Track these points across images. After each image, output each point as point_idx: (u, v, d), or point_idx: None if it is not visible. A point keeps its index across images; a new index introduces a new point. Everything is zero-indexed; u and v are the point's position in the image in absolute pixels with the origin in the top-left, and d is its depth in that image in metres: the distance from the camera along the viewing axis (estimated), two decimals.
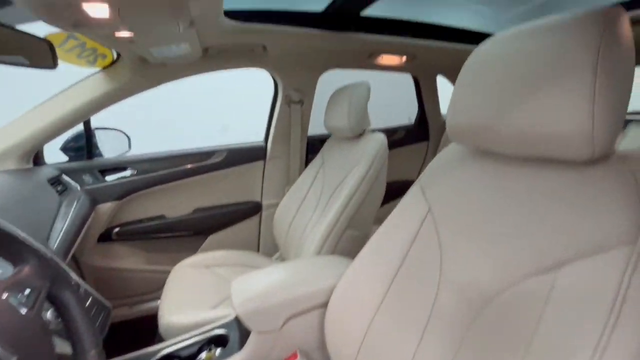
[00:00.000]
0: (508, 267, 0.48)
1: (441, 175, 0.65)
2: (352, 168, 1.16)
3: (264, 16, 1.10)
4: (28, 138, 1.15)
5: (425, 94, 1.84)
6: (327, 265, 0.93)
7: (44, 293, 0.47)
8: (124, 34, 0.74)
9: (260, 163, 1.59)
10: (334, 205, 1.12)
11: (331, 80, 1.59)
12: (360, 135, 1.24)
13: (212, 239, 1.59)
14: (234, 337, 0.75)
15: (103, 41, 0.93)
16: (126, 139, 1.50)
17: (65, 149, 1.43)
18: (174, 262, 1.35)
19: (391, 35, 1.31)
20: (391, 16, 1.29)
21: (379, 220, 1.31)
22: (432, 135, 1.94)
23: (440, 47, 1.44)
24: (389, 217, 0.70)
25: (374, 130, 1.28)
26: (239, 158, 1.56)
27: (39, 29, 0.67)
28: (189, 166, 1.48)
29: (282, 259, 1.59)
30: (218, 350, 0.73)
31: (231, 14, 1.01)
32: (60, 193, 1.18)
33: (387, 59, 1.47)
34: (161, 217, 1.49)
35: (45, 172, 1.20)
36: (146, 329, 1.25)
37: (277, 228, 1.45)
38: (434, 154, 1.97)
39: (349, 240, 1.12)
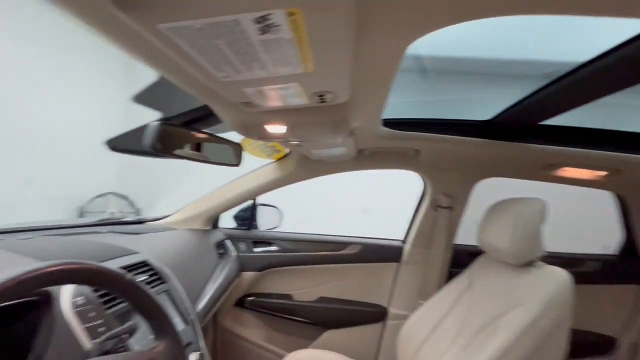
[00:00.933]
0: None
1: None
2: (513, 307, 0.89)
3: (421, 125, 1.09)
4: (213, 207, 1.45)
5: (636, 220, 1.34)
6: None
7: None
8: (294, 141, 0.86)
9: (394, 265, 1.47)
10: (481, 354, 0.85)
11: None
12: (527, 264, 0.97)
13: (329, 334, 1.50)
14: None
15: (279, 142, 1.13)
16: (279, 216, 1.69)
17: (235, 217, 1.75)
18: (289, 346, 1.33)
19: (583, 149, 1.05)
20: (584, 125, 1.05)
21: None
22: None
23: None
24: None
25: (550, 258, 0.97)
26: (373, 255, 1.49)
27: None
28: (323, 253, 1.51)
29: None
30: None
31: (388, 123, 1.04)
32: (220, 256, 1.40)
33: (573, 172, 1.18)
34: (288, 296, 1.53)
35: (216, 235, 1.47)
36: None
37: (400, 349, 1.23)
38: None
39: None
